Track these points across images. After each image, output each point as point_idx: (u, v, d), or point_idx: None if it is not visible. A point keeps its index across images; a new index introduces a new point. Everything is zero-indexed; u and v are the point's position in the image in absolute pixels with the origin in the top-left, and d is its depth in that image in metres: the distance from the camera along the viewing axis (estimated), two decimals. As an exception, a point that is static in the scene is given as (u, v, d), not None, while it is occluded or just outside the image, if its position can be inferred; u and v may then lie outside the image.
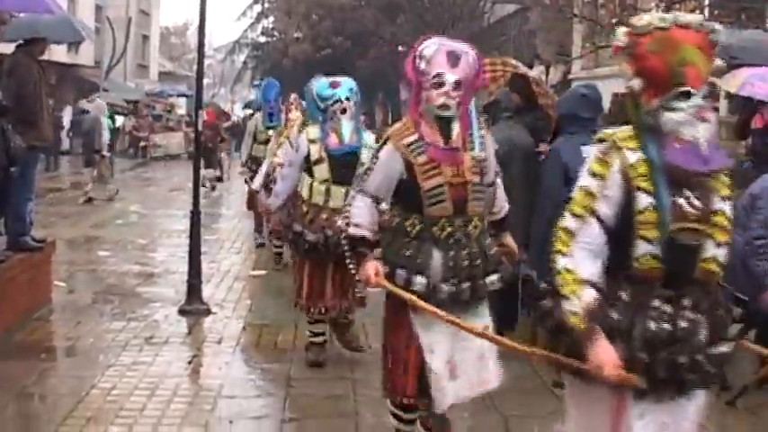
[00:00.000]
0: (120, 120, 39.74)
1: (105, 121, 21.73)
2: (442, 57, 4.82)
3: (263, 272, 11.97)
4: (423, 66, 4.85)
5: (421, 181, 4.82)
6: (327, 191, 7.25)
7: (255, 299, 10.44)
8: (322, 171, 7.27)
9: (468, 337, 4.64)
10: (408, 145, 4.87)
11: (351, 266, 5.04)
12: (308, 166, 7.33)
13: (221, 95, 72.65)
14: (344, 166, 7.07)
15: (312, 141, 7.32)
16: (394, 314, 5.03)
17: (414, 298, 4.64)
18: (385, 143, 5.01)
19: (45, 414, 6.45)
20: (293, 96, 11.79)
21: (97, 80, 40.82)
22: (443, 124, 4.87)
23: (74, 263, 12.46)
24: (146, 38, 57.77)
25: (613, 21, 13.43)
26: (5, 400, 6.54)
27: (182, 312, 9.34)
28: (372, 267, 4.85)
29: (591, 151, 3.68)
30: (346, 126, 7.20)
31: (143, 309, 9.63)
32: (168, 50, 77.40)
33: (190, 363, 7.75)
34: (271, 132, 12.31)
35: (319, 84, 7.34)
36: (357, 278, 5.18)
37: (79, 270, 12.04)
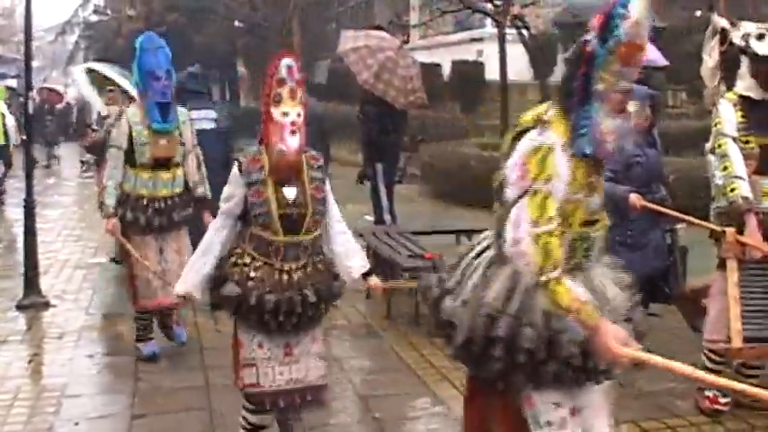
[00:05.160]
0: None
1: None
2: None
3: (103, 259, 11.45)
4: None
5: None
6: None
7: (97, 288, 9.98)
8: None
9: None
10: None
11: None
12: None
13: (54, 78, 70.42)
14: None
15: None
16: None
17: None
18: None
19: None
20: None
21: None
22: None
23: None
24: (-31, 19, 55.47)
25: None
26: None
27: (19, 308, 8.88)
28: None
29: None
30: None
31: (-23, 306, 9.06)
32: (-6, 32, 74.50)
33: (30, 362, 7.33)
34: (163, 143, 7.00)
35: None
36: None
37: None
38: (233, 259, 4.94)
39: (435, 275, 3.97)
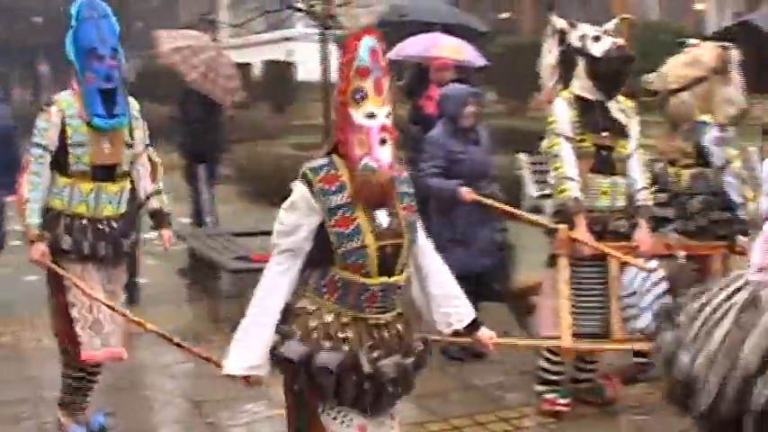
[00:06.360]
0: None
1: None
2: None
3: None
4: None
5: None
6: None
7: None
8: None
9: None
10: None
11: None
12: None
13: None
14: None
15: None
16: None
17: None
18: None
19: None
20: None
21: None
22: None
23: None
24: None
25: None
26: None
27: None
28: None
29: None
30: None
31: None
32: None
33: None
34: (107, 145, 5.36)
35: None
36: None
37: None
38: (311, 323, 3.58)
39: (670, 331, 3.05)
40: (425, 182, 6.97)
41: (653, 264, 5.83)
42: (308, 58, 20.26)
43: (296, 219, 3.58)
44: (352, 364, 3.49)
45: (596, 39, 5.98)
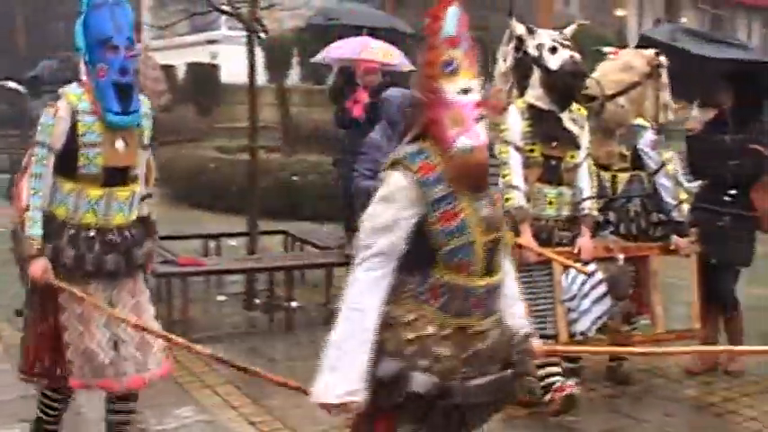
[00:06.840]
0: None
1: None
2: None
3: None
4: None
5: None
6: None
7: None
8: None
9: None
10: None
11: None
12: None
13: None
14: None
15: None
16: None
17: None
18: None
19: None
20: None
21: None
22: None
23: None
24: None
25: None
26: None
27: None
28: None
29: None
30: None
31: None
32: None
33: None
34: (121, 145, 4.81)
35: None
36: None
37: None
38: (407, 335, 3.15)
39: None
40: (357, 184, 7.02)
41: (591, 267, 5.91)
42: (231, 61, 20.09)
43: (394, 213, 3.10)
44: (443, 390, 3.13)
45: (553, 50, 5.99)
